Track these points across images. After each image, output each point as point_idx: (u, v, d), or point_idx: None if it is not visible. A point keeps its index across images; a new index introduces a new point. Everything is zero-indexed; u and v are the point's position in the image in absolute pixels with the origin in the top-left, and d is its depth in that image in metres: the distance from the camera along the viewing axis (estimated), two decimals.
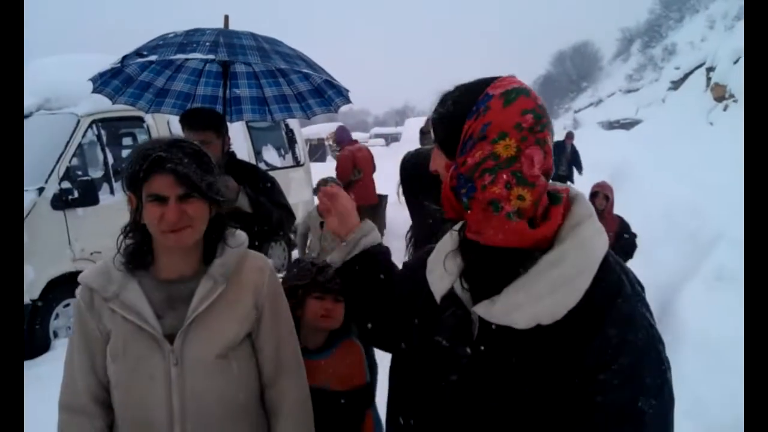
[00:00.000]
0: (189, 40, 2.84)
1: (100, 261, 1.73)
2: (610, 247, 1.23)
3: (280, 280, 2.04)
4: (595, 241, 1.20)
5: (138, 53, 2.90)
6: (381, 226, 10.06)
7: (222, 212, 1.72)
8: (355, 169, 9.04)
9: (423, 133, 7.07)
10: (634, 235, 5.74)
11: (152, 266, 1.68)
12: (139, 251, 1.66)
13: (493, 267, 1.21)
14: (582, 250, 1.18)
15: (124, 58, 2.95)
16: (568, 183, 13.76)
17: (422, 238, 2.42)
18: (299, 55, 3.07)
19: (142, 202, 1.59)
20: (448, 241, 1.40)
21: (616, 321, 1.13)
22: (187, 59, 3.40)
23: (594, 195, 5.82)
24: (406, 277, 1.53)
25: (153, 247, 1.67)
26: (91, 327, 1.66)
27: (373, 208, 9.46)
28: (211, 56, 2.81)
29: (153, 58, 2.92)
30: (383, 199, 10.04)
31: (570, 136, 14.68)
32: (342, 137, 9.20)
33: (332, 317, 2.21)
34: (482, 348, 1.21)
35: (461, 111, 1.21)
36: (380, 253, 1.57)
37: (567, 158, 14.18)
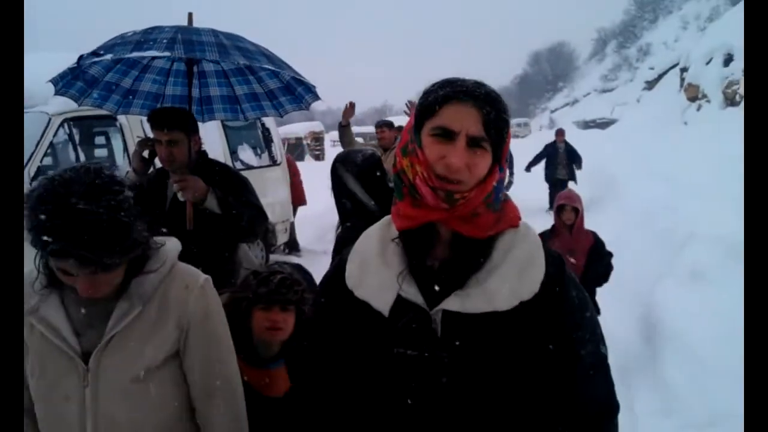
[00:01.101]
0: (146, 37, 2.75)
1: (30, 268, 1.59)
2: (581, 269, 1.33)
3: (223, 295, 1.95)
4: (527, 223, 1.34)
5: (95, 52, 2.81)
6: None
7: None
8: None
9: (343, 126, 6.51)
10: (610, 255, 4.69)
11: None
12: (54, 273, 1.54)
13: (477, 257, 1.25)
14: (524, 231, 1.31)
15: (80, 57, 2.86)
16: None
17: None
18: (261, 51, 3.00)
19: None
20: (366, 251, 1.36)
21: (572, 284, 1.29)
22: (153, 58, 3.33)
23: (560, 209, 4.75)
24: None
25: None
26: None
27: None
28: (167, 53, 2.72)
29: (109, 56, 2.82)
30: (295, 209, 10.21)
31: (561, 133, 13.49)
32: None
33: (280, 328, 2.14)
34: (457, 343, 1.21)
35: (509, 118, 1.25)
36: None
37: (563, 160, 12.90)
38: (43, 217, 1.36)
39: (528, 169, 13.56)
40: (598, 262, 4.57)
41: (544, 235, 4.06)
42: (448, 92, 1.20)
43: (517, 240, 1.28)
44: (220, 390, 1.70)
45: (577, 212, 4.69)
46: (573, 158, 12.82)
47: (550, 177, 13.05)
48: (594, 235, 4.75)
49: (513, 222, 1.29)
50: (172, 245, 1.72)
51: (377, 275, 1.30)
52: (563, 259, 1.32)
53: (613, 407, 1.31)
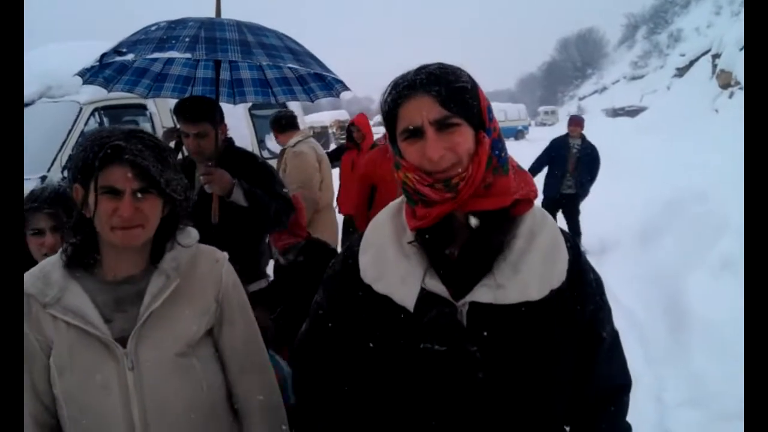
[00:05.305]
0: (169, 35, 2.70)
1: (38, 264, 1.57)
2: None
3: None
4: (541, 208, 1.32)
5: (116, 51, 2.78)
6: None
7: (176, 210, 1.60)
8: None
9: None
10: None
11: (96, 267, 1.54)
12: (82, 250, 1.52)
13: (497, 234, 1.22)
14: (542, 216, 1.30)
15: (103, 56, 2.83)
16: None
17: None
18: (287, 46, 2.93)
19: (89, 195, 1.44)
20: (381, 241, 1.32)
21: (588, 266, 1.32)
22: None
23: None
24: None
25: (98, 246, 1.53)
26: (29, 339, 1.48)
27: None
28: (187, 55, 2.69)
29: (130, 57, 2.80)
30: None
31: (576, 122, 8.21)
32: None
33: None
34: (485, 334, 1.19)
35: (475, 83, 1.24)
36: None
37: (573, 164, 8.01)
38: (103, 133, 1.45)
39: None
40: None
41: None
42: (395, 95, 1.22)
43: (537, 225, 1.26)
44: (255, 362, 1.72)
45: None
46: (590, 164, 8.05)
47: (551, 189, 8.12)
48: None
49: (530, 195, 1.25)
50: (193, 229, 1.72)
51: (398, 267, 1.26)
52: (575, 240, 1.34)
53: (628, 382, 1.39)
